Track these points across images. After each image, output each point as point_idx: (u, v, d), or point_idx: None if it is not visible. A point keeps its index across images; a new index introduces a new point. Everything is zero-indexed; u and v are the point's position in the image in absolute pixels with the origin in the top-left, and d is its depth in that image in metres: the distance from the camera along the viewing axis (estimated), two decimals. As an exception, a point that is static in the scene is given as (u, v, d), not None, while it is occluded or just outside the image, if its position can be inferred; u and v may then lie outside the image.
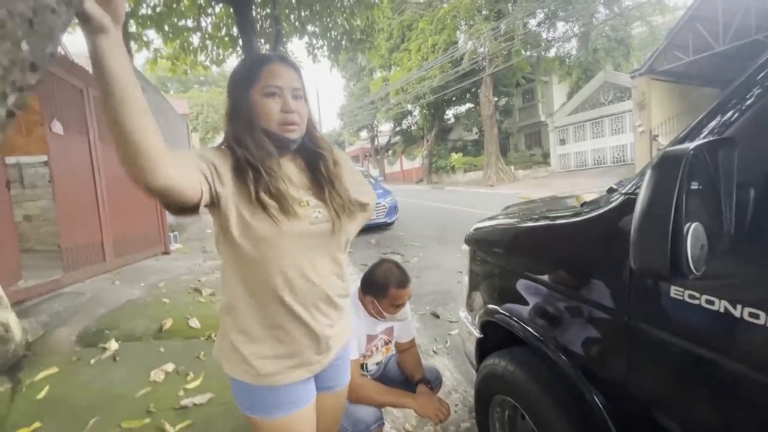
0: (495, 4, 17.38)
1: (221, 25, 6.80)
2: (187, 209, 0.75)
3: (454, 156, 22.74)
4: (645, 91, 12.06)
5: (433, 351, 2.66)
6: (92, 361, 2.29)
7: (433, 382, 1.68)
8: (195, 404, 1.90)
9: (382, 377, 1.68)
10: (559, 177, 17.13)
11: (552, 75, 19.82)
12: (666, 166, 0.58)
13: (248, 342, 0.89)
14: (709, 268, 0.60)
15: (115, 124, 0.59)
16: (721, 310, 0.65)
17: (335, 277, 0.95)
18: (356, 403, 1.44)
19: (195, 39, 6.81)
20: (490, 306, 1.40)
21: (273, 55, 0.94)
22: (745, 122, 0.68)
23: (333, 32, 7.19)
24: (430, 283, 4.23)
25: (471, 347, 1.60)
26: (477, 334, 1.52)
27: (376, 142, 34.14)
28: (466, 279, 1.72)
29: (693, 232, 0.56)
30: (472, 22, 17.96)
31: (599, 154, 17.14)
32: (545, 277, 1.14)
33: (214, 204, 0.81)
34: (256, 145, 0.85)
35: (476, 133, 22.90)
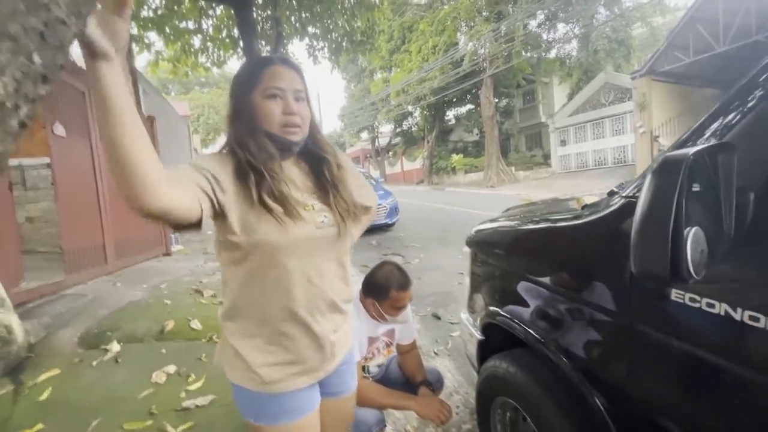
0: (495, 6, 17.40)
1: (222, 26, 6.83)
2: (189, 226, 0.73)
3: (455, 157, 22.75)
4: (646, 92, 12.07)
5: (434, 352, 2.66)
6: (94, 363, 2.30)
7: (435, 383, 1.69)
8: (197, 406, 1.90)
9: (384, 379, 1.68)
10: (559, 178, 17.12)
11: (552, 76, 19.83)
12: (666, 170, 0.58)
13: (252, 349, 0.88)
14: (709, 271, 0.60)
15: (111, 147, 0.59)
16: (722, 313, 0.65)
17: (340, 282, 0.95)
18: (358, 405, 1.44)
19: (196, 41, 6.84)
20: (492, 308, 1.40)
21: (275, 57, 0.94)
22: (747, 125, 0.68)
23: (334, 34, 7.21)
24: (430, 285, 4.23)
25: (472, 349, 1.60)
26: (478, 335, 1.52)
27: (376, 144, 34.15)
28: (467, 281, 1.72)
29: (693, 237, 0.56)
30: (472, 24, 17.99)
31: (600, 155, 17.13)
32: (546, 280, 1.14)
33: (219, 214, 0.80)
34: (258, 148, 0.84)
35: (477, 134, 22.91)
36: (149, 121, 5.42)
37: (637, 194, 0.77)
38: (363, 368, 1.58)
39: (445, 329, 3.08)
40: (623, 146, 16.13)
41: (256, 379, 0.87)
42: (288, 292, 0.86)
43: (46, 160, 3.83)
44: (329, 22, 6.99)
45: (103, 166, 4.02)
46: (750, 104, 0.69)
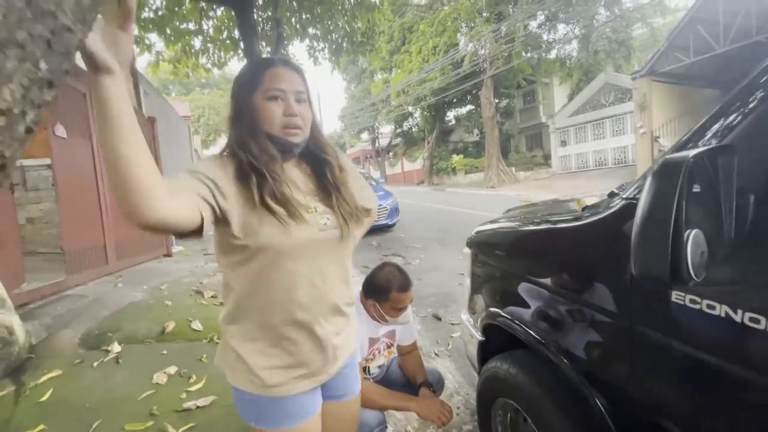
0: (495, 7, 17.41)
1: (223, 28, 6.83)
2: (190, 234, 0.73)
3: (455, 157, 22.75)
4: (646, 93, 12.07)
5: (435, 353, 2.66)
6: (95, 364, 2.30)
7: (436, 384, 1.69)
8: (198, 407, 1.90)
9: (385, 380, 1.69)
10: (560, 178, 17.12)
11: (553, 77, 19.84)
12: (666, 173, 0.58)
13: (253, 352, 0.87)
14: (709, 273, 0.61)
15: (111, 161, 0.59)
16: (722, 315, 0.65)
17: (343, 285, 0.94)
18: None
19: (197, 42, 6.84)
20: (492, 309, 1.41)
21: (276, 58, 0.93)
22: (748, 126, 0.68)
23: (334, 35, 7.20)
24: (431, 285, 4.23)
25: (473, 350, 1.60)
26: (479, 336, 1.52)
27: (377, 144, 34.17)
28: (467, 282, 1.73)
29: (693, 239, 0.57)
30: (472, 24, 18.01)
31: (600, 155, 17.13)
32: (547, 281, 1.14)
33: (220, 220, 0.79)
34: (259, 149, 0.84)
35: (477, 135, 22.92)
36: (150, 122, 5.43)
37: (637, 196, 0.78)
38: (364, 369, 1.58)
39: (446, 330, 3.08)
40: (624, 147, 16.13)
41: (258, 383, 0.87)
42: (291, 296, 0.85)
43: (47, 161, 3.84)
44: (330, 23, 6.99)
45: (104, 167, 4.02)
46: (751, 106, 0.69)
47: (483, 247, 1.60)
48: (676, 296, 0.72)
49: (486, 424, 1.42)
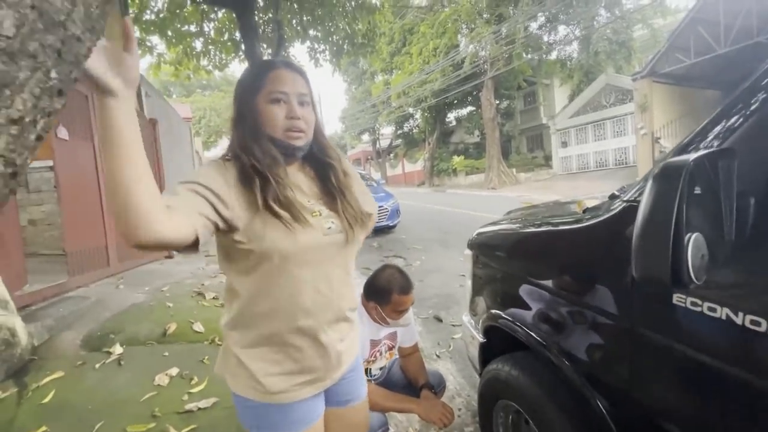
0: (496, 8, 17.42)
1: (224, 30, 6.86)
2: (187, 248, 0.72)
3: (456, 159, 22.76)
4: (647, 94, 12.06)
5: (436, 355, 2.66)
6: (97, 366, 2.31)
7: (437, 386, 1.69)
8: (199, 408, 1.90)
9: (386, 382, 1.69)
10: (561, 179, 17.11)
11: (553, 78, 19.85)
12: (667, 176, 0.59)
13: (256, 358, 0.86)
14: (710, 276, 0.61)
15: (112, 182, 0.59)
16: (723, 317, 0.66)
17: (347, 289, 0.94)
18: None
19: (198, 44, 6.87)
20: (493, 311, 1.41)
21: (279, 60, 0.92)
22: (749, 129, 0.68)
23: (335, 36, 7.23)
24: (432, 287, 4.23)
25: (474, 352, 1.60)
26: (480, 338, 1.53)
27: (377, 145, 34.20)
28: (469, 283, 1.73)
29: (694, 242, 0.57)
30: (473, 26, 18.02)
31: (601, 156, 17.12)
32: (548, 283, 1.14)
33: (224, 230, 0.78)
34: (262, 152, 0.82)
35: (478, 136, 22.92)
36: (151, 124, 5.44)
37: (638, 198, 0.78)
38: (365, 371, 1.59)
39: (447, 332, 3.08)
40: (624, 148, 16.12)
41: (260, 389, 0.86)
42: (296, 301, 0.84)
43: (49, 162, 3.85)
44: (330, 25, 7.01)
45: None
46: (752, 108, 0.69)
47: (484, 248, 1.60)
48: (677, 299, 0.73)
49: (487, 425, 1.42)
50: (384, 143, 34.28)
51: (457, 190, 19.17)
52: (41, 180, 4.96)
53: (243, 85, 0.89)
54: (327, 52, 7.51)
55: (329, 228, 0.87)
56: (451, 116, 25.23)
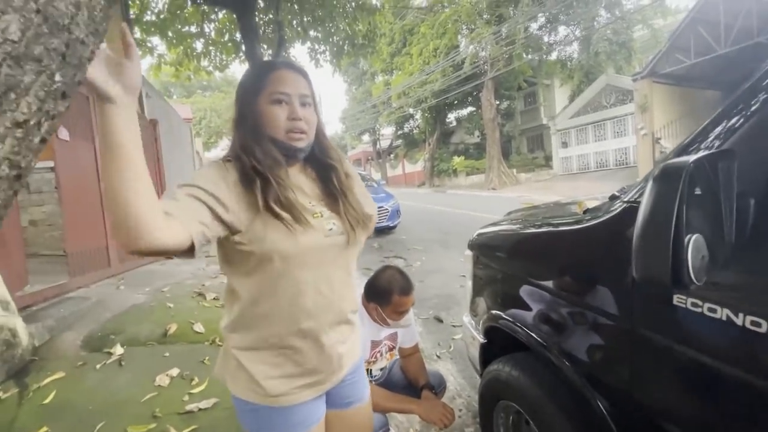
0: (496, 9, 17.45)
1: (224, 30, 6.87)
2: (182, 254, 0.71)
3: (456, 159, 22.77)
4: (647, 94, 12.07)
5: (437, 356, 2.66)
6: (98, 366, 2.31)
7: (437, 387, 1.69)
8: (200, 409, 1.91)
9: (386, 382, 1.69)
10: (561, 180, 17.12)
11: (554, 78, 19.86)
12: (667, 178, 0.59)
13: (256, 361, 0.85)
14: (710, 277, 0.61)
15: (110, 189, 0.59)
16: (723, 318, 0.66)
17: (348, 291, 0.93)
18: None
19: (198, 45, 6.89)
20: (494, 311, 1.41)
21: (280, 61, 0.91)
22: (750, 129, 0.68)
23: (335, 37, 7.24)
24: (433, 287, 4.23)
25: (475, 352, 1.60)
26: (481, 339, 1.53)
27: (378, 146, 34.22)
28: (469, 284, 1.73)
29: (694, 244, 0.57)
30: (473, 26, 18.04)
31: (602, 156, 17.12)
32: (549, 284, 1.15)
33: (225, 234, 0.78)
34: (263, 153, 0.81)
35: (478, 137, 22.93)
36: (152, 125, 5.45)
37: (638, 199, 0.78)
38: (366, 372, 1.59)
39: (448, 332, 3.08)
40: (625, 148, 16.12)
41: (261, 392, 0.85)
42: (298, 303, 0.84)
43: (50, 163, 3.85)
44: (331, 25, 7.03)
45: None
46: (752, 109, 0.70)
47: (485, 249, 1.61)
48: (677, 299, 0.73)
49: (488, 426, 1.42)
50: (384, 144, 34.30)
51: (457, 191, 19.17)
52: (42, 181, 4.96)
53: (245, 86, 0.88)
54: (327, 53, 7.52)
55: (330, 229, 0.86)
56: (452, 117, 25.26)
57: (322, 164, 0.93)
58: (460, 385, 2.28)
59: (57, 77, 0.34)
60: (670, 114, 12.16)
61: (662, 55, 11.36)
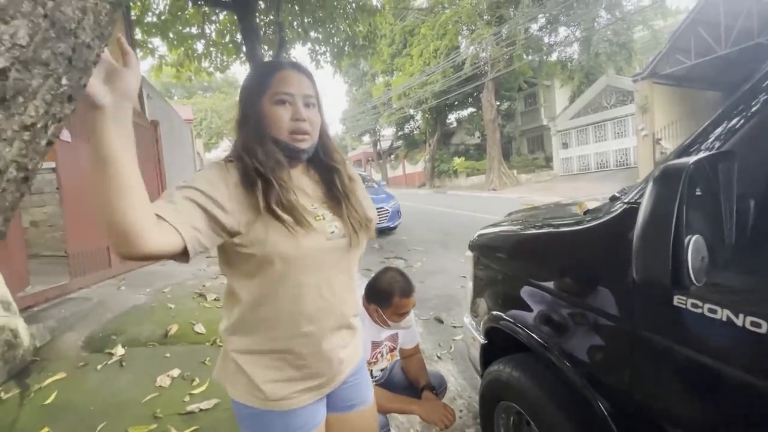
0: (496, 10, 17.46)
1: (225, 32, 6.88)
2: (177, 258, 0.71)
3: (457, 160, 22.78)
4: (647, 95, 12.07)
5: (437, 356, 2.66)
6: (99, 367, 2.31)
7: (438, 387, 1.69)
8: (201, 409, 1.91)
9: (387, 383, 1.69)
10: (561, 181, 17.11)
11: (554, 79, 19.87)
12: (667, 179, 0.59)
13: (256, 365, 0.85)
14: (710, 277, 0.61)
15: (98, 197, 0.58)
16: (723, 318, 0.66)
17: (349, 294, 0.92)
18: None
19: (199, 46, 6.89)
20: (495, 312, 1.41)
21: (285, 61, 0.90)
22: (750, 130, 0.69)
23: (336, 38, 7.24)
24: (433, 288, 4.23)
25: (475, 353, 1.60)
26: (481, 340, 1.53)
27: (378, 147, 34.25)
28: (470, 285, 1.73)
29: (694, 245, 0.57)
30: (473, 27, 18.06)
31: (602, 157, 17.12)
32: (549, 285, 1.15)
33: (223, 234, 0.77)
34: (265, 155, 0.80)
35: (478, 137, 22.94)
36: (153, 126, 5.46)
37: (638, 200, 0.78)
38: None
39: (448, 333, 3.08)
40: (625, 149, 16.11)
41: (260, 396, 0.84)
42: (299, 307, 0.83)
43: (52, 164, 3.86)
44: (331, 26, 7.03)
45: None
46: (753, 110, 0.70)
47: (485, 250, 1.61)
48: (677, 300, 0.73)
49: (489, 427, 1.42)
50: (385, 144, 34.33)
51: (457, 192, 19.17)
52: (43, 182, 4.97)
53: (248, 86, 0.87)
54: (328, 54, 7.53)
55: (332, 232, 0.85)
56: (452, 117, 25.28)
57: (325, 166, 0.92)
58: (461, 385, 2.28)
59: (64, 81, 0.34)
60: (670, 115, 12.16)
61: (663, 56, 11.37)
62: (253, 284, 0.82)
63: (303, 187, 0.88)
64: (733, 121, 0.73)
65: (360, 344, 1.02)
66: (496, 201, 12.81)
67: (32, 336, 2.46)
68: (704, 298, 0.69)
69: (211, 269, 4.55)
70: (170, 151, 6.55)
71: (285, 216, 0.78)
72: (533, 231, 1.39)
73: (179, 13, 6.17)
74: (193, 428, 1.78)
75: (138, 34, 6.04)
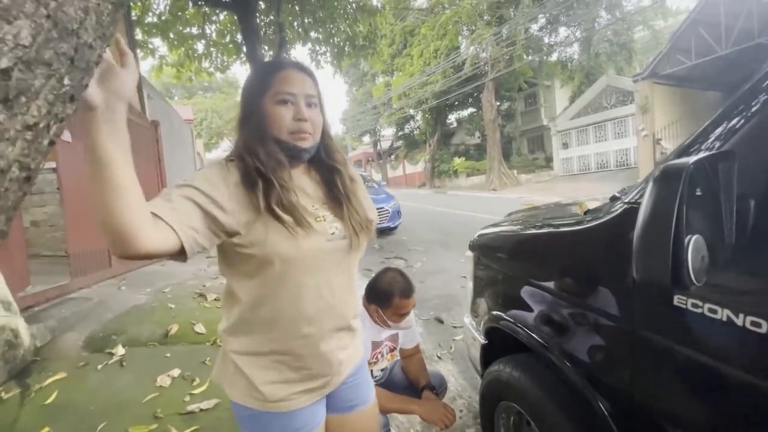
0: (497, 10, 17.47)
1: (225, 32, 6.88)
2: (175, 257, 0.71)
3: (457, 160, 22.79)
4: (648, 95, 12.07)
5: (438, 356, 2.66)
6: (99, 367, 2.32)
7: (438, 387, 1.69)
8: (201, 409, 1.91)
9: (387, 383, 1.69)
10: (562, 181, 17.11)
11: (554, 79, 19.87)
12: (667, 179, 0.59)
13: (255, 366, 0.84)
14: (710, 277, 0.61)
15: (93, 196, 0.58)
16: (724, 318, 0.66)
17: (350, 297, 0.91)
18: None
19: (200, 46, 6.90)
20: (495, 312, 1.41)
21: (288, 61, 0.89)
22: (750, 131, 0.69)
23: (336, 38, 7.25)
24: (433, 288, 4.23)
25: (475, 353, 1.61)
26: (482, 340, 1.53)
27: (378, 147, 34.26)
28: (470, 285, 1.73)
29: (694, 244, 0.57)
30: (474, 28, 18.07)
31: (602, 157, 17.12)
32: (550, 285, 1.15)
33: (222, 236, 0.76)
34: (267, 154, 0.80)
35: (479, 138, 22.95)
36: (153, 126, 5.47)
37: (639, 200, 0.78)
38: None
39: (448, 333, 3.08)
40: (626, 149, 16.11)
41: (259, 398, 0.84)
42: (298, 308, 0.82)
43: (52, 164, 3.86)
44: (332, 27, 7.04)
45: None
46: (753, 110, 0.70)
47: (485, 250, 1.61)
48: (678, 300, 0.73)
49: (489, 427, 1.42)
50: (385, 145, 34.34)
51: (458, 192, 19.17)
52: (44, 182, 4.97)
53: (250, 85, 0.86)
54: (328, 54, 7.53)
55: (333, 234, 0.84)
56: (452, 118, 25.29)
57: (326, 167, 0.91)
58: (461, 385, 2.28)
59: (66, 81, 0.35)
60: (670, 115, 12.16)
61: (663, 56, 11.37)
62: (252, 285, 0.82)
63: (304, 187, 0.88)
64: (733, 121, 0.73)
65: (360, 344, 1.02)
66: (497, 201, 12.81)
67: (33, 336, 2.46)
68: (704, 298, 0.69)
69: (211, 269, 4.55)
70: (171, 151, 6.56)
71: (285, 216, 0.78)
72: (533, 231, 1.39)
73: (180, 14, 6.18)
74: (193, 428, 1.78)
75: (138, 35, 6.05)
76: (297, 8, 6.56)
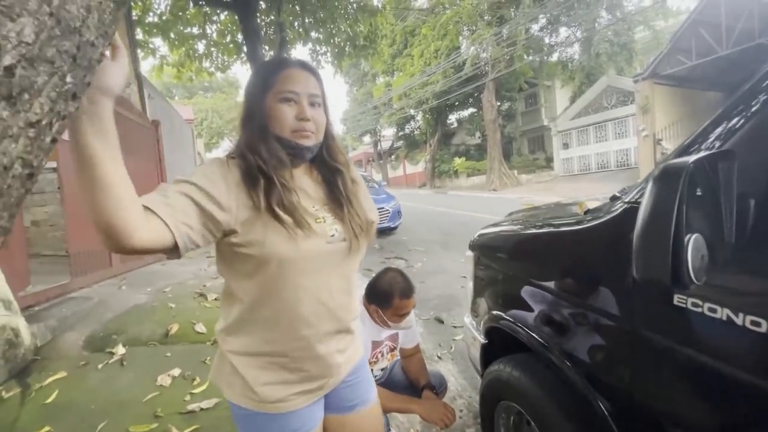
0: (497, 10, 17.48)
1: (226, 32, 6.89)
2: (169, 253, 0.70)
3: (457, 160, 22.79)
4: (648, 95, 12.07)
5: (438, 356, 2.66)
6: (100, 366, 2.32)
7: (438, 387, 1.69)
8: (201, 409, 1.91)
9: (387, 383, 1.69)
10: (562, 181, 17.11)
11: (555, 79, 19.88)
12: (667, 178, 0.59)
13: (252, 367, 0.84)
14: (710, 277, 0.62)
15: (83, 193, 0.58)
16: (724, 318, 0.66)
17: (349, 300, 0.90)
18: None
19: (200, 46, 6.91)
20: (495, 312, 1.41)
21: (292, 59, 0.88)
22: (750, 130, 0.69)
23: (336, 38, 7.26)
24: (434, 288, 4.23)
25: (476, 353, 1.61)
26: (482, 339, 1.53)
27: (379, 147, 34.27)
28: (470, 285, 1.73)
29: (693, 243, 0.57)
30: (474, 28, 18.08)
31: (603, 158, 17.11)
32: (550, 284, 1.15)
33: (219, 235, 0.76)
34: (268, 153, 0.79)
35: (479, 138, 22.95)
36: (154, 126, 5.47)
37: (639, 200, 0.78)
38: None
39: (449, 333, 3.09)
40: (626, 149, 16.11)
41: (255, 399, 0.83)
42: (297, 312, 0.81)
43: (53, 164, 3.87)
44: (332, 27, 7.04)
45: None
46: (753, 109, 0.70)
47: (486, 250, 1.61)
48: (678, 299, 0.73)
49: (489, 426, 1.42)
50: (385, 145, 34.35)
51: (458, 192, 19.17)
52: (45, 181, 4.97)
53: (254, 83, 0.85)
54: (329, 54, 7.54)
55: (333, 236, 0.83)
56: (453, 118, 25.30)
57: (328, 167, 0.90)
58: (461, 385, 2.28)
59: (68, 78, 0.35)
60: (671, 115, 12.15)
61: (663, 57, 11.37)
62: (251, 285, 0.81)
63: (305, 187, 0.87)
64: (733, 121, 0.73)
65: (360, 345, 1.01)
66: (497, 201, 12.81)
67: (33, 335, 2.47)
68: (704, 297, 0.69)
69: (211, 269, 4.55)
70: (171, 151, 6.57)
71: (285, 217, 0.77)
72: (534, 231, 1.39)
73: (180, 14, 6.19)
74: (193, 427, 1.78)
75: (139, 34, 6.05)
76: (297, 8, 6.56)
